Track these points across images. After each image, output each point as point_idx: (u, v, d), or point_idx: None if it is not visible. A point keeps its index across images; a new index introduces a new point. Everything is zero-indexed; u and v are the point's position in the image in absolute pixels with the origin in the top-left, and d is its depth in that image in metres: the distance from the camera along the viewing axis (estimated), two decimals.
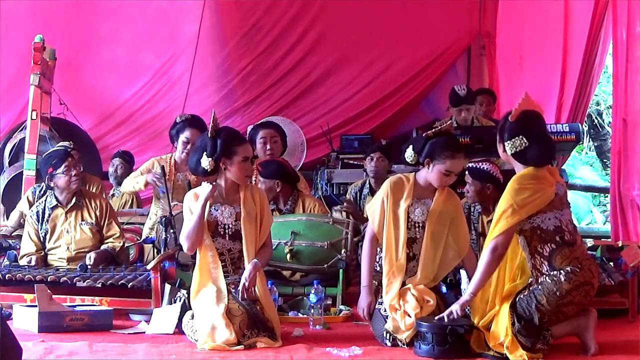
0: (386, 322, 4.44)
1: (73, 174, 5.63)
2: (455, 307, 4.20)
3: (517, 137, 4.17)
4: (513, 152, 4.20)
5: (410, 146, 4.68)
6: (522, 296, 4.19)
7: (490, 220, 5.37)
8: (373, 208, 4.71)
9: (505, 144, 4.22)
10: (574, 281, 4.13)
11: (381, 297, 4.57)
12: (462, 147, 4.77)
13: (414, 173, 4.75)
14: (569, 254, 4.18)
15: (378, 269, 4.70)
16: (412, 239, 4.62)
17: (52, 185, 5.71)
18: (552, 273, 4.16)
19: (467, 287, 4.32)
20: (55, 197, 5.71)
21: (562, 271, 4.15)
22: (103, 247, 5.67)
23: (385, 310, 4.50)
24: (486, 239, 4.22)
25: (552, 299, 4.13)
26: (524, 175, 4.20)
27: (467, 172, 5.56)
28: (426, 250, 4.59)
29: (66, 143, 5.89)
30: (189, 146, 6.16)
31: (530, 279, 4.26)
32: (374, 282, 4.69)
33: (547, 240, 4.18)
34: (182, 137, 6.23)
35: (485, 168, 5.57)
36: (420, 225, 4.63)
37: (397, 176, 4.78)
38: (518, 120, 4.20)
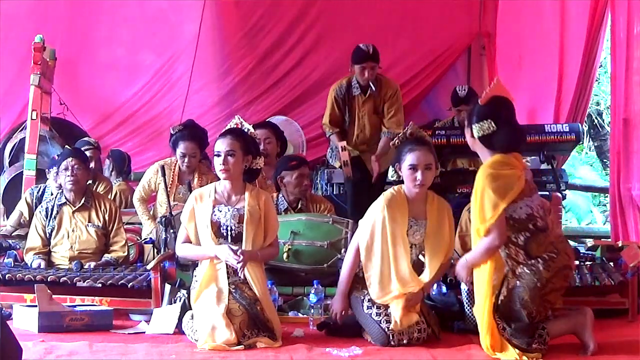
0: (380, 325, 4.42)
1: (67, 175, 5.67)
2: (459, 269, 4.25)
3: (485, 121, 4.15)
4: (480, 135, 4.16)
5: (390, 166, 4.69)
6: (502, 298, 4.11)
7: None
8: (366, 222, 4.62)
9: (473, 126, 4.19)
10: (553, 268, 4.10)
11: (369, 300, 4.53)
12: (426, 141, 4.64)
13: (400, 186, 4.63)
14: (543, 239, 4.15)
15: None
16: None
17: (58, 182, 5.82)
18: (529, 262, 4.11)
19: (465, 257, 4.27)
20: (64, 195, 5.75)
21: (539, 259, 4.10)
22: (105, 258, 5.69)
23: (377, 315, 4.46)
24: (475, 230, 4.11)
25: (535, 292, 4.07)
26: (495, 162, 4.14)
27: None
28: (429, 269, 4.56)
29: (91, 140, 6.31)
30: (186, 159, 6.17)
31: (506, 269, 4.15)
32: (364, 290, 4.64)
33: (520, 230, 4.14)
34: (178, 151, 6.23)
35: None
36: (417, 246, 4.60)
37: (389, 192, 4.63)
38: (487, 105, 4.18)
